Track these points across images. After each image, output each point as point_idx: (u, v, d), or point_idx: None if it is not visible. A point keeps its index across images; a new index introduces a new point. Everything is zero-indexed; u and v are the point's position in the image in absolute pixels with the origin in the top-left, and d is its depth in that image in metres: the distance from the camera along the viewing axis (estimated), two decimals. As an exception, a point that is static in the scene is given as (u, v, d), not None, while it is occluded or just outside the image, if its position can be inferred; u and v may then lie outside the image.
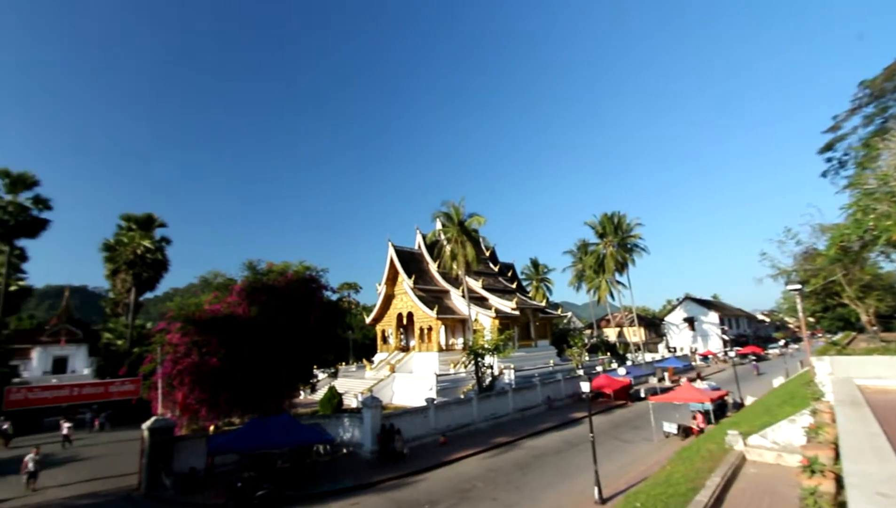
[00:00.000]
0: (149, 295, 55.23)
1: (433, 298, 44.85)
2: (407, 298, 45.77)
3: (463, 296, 43.63)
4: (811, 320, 47.04)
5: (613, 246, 59.54)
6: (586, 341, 61.81)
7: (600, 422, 25.60)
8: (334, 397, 31.23)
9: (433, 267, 48.55)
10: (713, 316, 76.13)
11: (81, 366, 49.81)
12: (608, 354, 60.07)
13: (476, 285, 46.44)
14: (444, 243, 42.38)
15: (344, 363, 53.41)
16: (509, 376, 36.34)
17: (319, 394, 35.24)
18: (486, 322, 41.96)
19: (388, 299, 49.64)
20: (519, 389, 30.64)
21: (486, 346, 31.44)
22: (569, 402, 33.61)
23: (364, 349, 66.66)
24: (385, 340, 51.09)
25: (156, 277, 47.34)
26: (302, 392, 33.67)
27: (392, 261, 47.67)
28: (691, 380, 34.17)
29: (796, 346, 76.83)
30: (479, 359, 31.03)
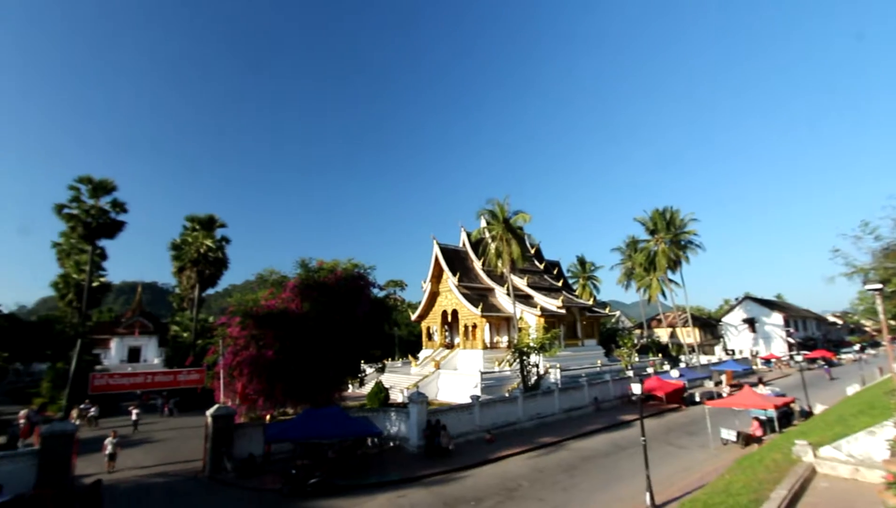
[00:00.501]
0: (211, 291, 58.76)
1: (477, 295, 44.77)
2: (451, 295, 45.97)
3: (508, 294, 43.25)
4: (893, 323, 42.82)
5: (665, 243, 56.86)
6: (636, 341, 59.52)
7: (652, 426, 24.57)
8: (381, 391, 31.87)
9: (478, 265, 48.45)
10: (777, 317, 71.02)
11: (152, 356, 53.87)
12: (659, 355, 57.53)
13: (521, 282, 45.89)
14: (489, 240, 42.17)
15: (390, 359, 54.48)
16: (555, 375, 35.67)
17: (367, 388, 36.13)
18: (531, 320, 41.39)
19: (433, 296, 50.07)
20: (565, 389, 30.00)
21: (531, 344, 31.00)
22: (617, 404, 32.52)
23: (409, 345, 67.53)
24: (430, 336, 51.60)
25: (217, 274, 50.21)
26: (350, 386, 34.66)
27: (437, 259, 48.02)
28: (753, 385, 32.06)
29: (874, 351, 70.16)
30: (525, 357, 30.66)
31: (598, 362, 44.14)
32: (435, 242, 48.31)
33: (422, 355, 50.22)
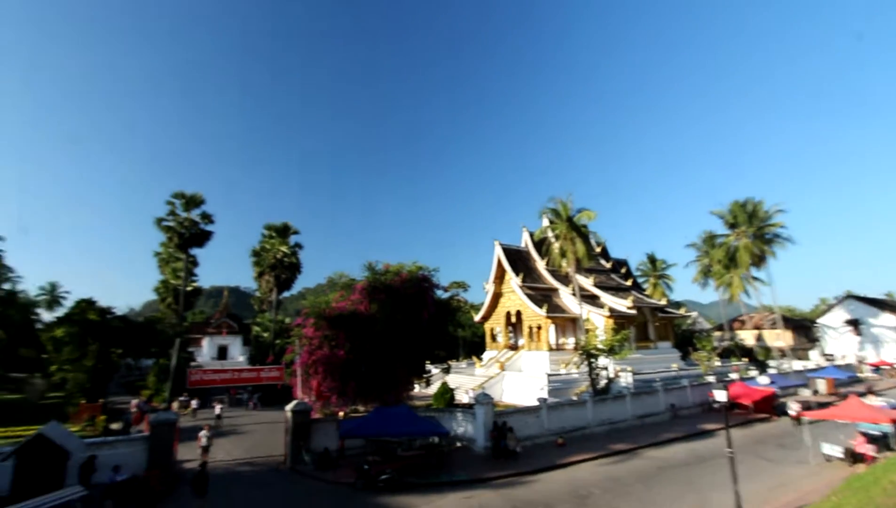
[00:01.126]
0: (287, 294, 62.91)
1: (542, 296, 43.84)
2: (515, 296, 45.41)
3: (573, 294, 41.93)
4: None
5: (748, 237, 52.11)
6: (716, 344, 55.11)
7: (738, 437, 22.58)
8: (447, 392, 32.15)
9: (541, 265, 47.46)
10: (887, 318, 62.42)
11: (238, 354, 58.46)
12: (744, 359, 52.80)
13: (587, 282, 44.33)
14: (552, 240, 41.17)
15: (455, 360, 54.83)
16: (626, 379, 33.97)
17: (433, 388, 36.60)
18: (598, 322, 39.79)
19: (496, 297, 49.75)
20: (638, 394, 28.47)
21: (599, 346, 29.80)
22: (696, 411, 30.31)
23: (473, 346, 67.57)
24: (494, 338, 51.32)
25: (292, 278, 53.68)
26: (417, 386, 35.37)
27: (499, 260, 47.67)
28: (860, 395, 28.42)
29: None
30: (592, 360, 29.53)
31: (674, 366, 41.43)
32: (497, 243, 48.00)
33: (486, 356, 50.03)
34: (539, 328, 42.78)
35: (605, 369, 30.46)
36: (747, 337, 68.01)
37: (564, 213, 38.96)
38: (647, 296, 49.65)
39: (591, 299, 43.03)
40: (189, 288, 56.43)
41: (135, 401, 35.44)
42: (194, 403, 34.04)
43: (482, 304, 52.58)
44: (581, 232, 39.10)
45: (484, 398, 21.54)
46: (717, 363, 44.13)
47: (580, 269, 41.48)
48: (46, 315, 68.77)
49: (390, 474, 16.19)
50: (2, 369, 57.16)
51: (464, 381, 41.51)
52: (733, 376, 38.46)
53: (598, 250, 53.28)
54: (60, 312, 64.83)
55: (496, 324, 50.17)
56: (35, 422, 27.00)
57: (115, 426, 28.85)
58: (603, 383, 29.64)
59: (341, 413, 24.78)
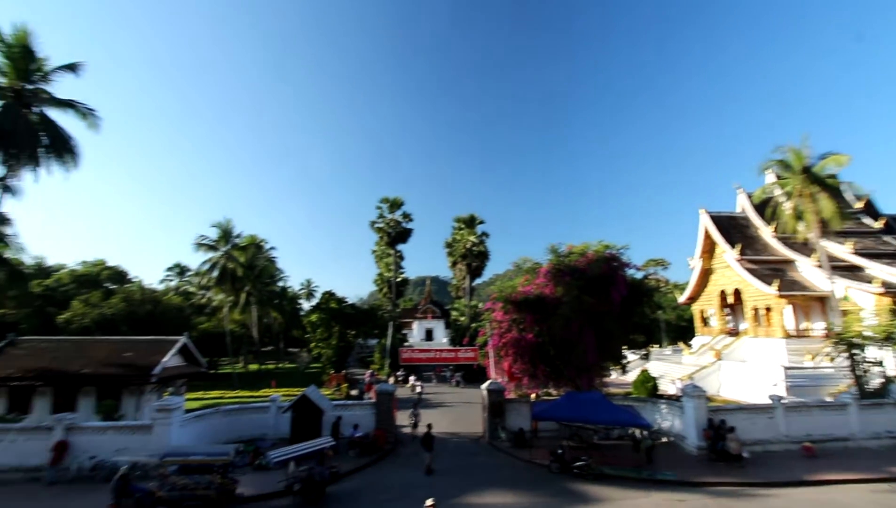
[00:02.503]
0: (478, 281, 66.92)
1: (769, 270, 35.82)
2: (731, 272, 38.28)
3: (819, 266, 32.90)
4: None
5: None
6: None
7: None
8: (648, 380, 29.44)
9: (766, 232, 38.75)
10: None
11: (441, 336, 65.09)
12: None
13: (841, 249, 34.21)
14: (782, 199, 32.79)
15: (656, 346, 49.82)
16: (917, 378, 24.92)
17: (631, 376, 33.93)
18: (863, 301, 30.29)
19: (705, 274, 42.87)
20: (940, 399, 20.54)
21: (867, 334, 22.67)
22: None
23: (678, 330, 60.40)
24: (705, 321, 44.44)
25: (481, 265, 56.97)
26: (613, 372, 33.32)
27: (706, 231, 40.88)
28: None
29: None
30: (856, 352, 22.64)
31: None
32: (703, 212, 41.18)
33: (696, 342, 43.72)
34: (768, 309, 35.05)
35: (879, 364, 22.98)
36: None
37: (798, 163, 30.42)
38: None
39: (850, 271, 33.01)
40: (398, 279, 65.43)
41: (368, 372, 43.16)
42: (412, 380, 38.87)
43: (687, 283, 46.03)
44: (827, 184, 29.92)
45: (694, 391, 18.80)
46: None
47: (828, 233, 32.00)
48: (306, 304, 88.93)
49: (585, 461, 15.61)
50: (283, 345, 77.49)
51: (668, 369, 37.25)
52: None
53: (860, 205, 40.43)
54: (313, 302, 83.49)
55: (707, 305, 43.24)
56: (301, 385, 35.41)
57: (353, 392, 35.69)
58: (875, 382, 22.45)
59: (533, 395, 25.13)
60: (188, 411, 19.20)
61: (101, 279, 52.25)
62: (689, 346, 43.54)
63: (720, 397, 30.87)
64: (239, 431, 20.03)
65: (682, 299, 47.08)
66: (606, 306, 21.62)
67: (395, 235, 55.16)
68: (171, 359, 24.03)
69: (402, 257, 69.84)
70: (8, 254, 24.22)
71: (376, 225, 56.05)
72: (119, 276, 56.44)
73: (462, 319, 59.67)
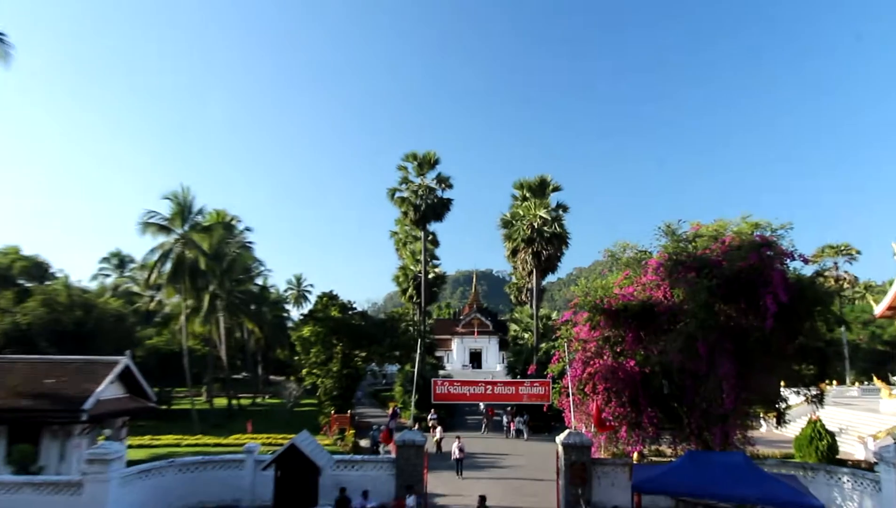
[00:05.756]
0: (552, 278, 66.75)
1: None
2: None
3: None
4: None
5: None
6: None
7: None
8: (820, 436, 28.63)
9: None
10: None
11: (494, 361, 65.62)
12: None
13: None
14: None
15: (835, 382, 47.94)
16: None
17: (793, 429, 32.84)
18: None
19: (918, 271, 40.56)
20: None
21: None
22: None
23: (874, 358, 58.15)
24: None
25: (556, 254, 56.17)
26: (763, 422, 32.34)
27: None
28: None
29: None
30: None
31: None
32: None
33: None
34: None
35: None
36: None
37: None
38: None
39: None
40: (430, 275, 66.12)
41: (390, 412, 44.05)
42: (439, 430, 38.89)
43: (891, 284, 43.78)
44: None
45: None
46: None
47: None
48: (295, 312, 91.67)
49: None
50: (263, 370, 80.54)
51: (855, 420, 36.32)
52: None
53: None
54: (306, 308, 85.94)
55: (922, 321, 41.02)
56: (289, 430, 36.49)
57: (363, 442, 36.42)
58: None
59: (635, 455, 24.72)
60: (132, 462, 20.24)
61: (12, 274, 55.65)
62: (892, 385, 41.79)
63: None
64: (201, 493, 20.94)
65: (879, 309, 44.80)
66: (754, 320, 20.92)
67: (426, 208, 55.47)
68: (107, 388, 25.37)
69: (435, 242, 70.53)
70: None
71: (398, 194, 56.64)
72: (38, 269, 59.99)
73: (525, 336, 59.62)
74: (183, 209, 48.59)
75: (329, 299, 50.67)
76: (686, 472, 17.15)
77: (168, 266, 47.14)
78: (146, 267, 52.05)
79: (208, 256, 48.50)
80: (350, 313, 50.55)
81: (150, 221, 46.92)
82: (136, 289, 67.93)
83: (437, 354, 63.03)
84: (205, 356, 57.19)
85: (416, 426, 37.37)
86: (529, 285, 60.53)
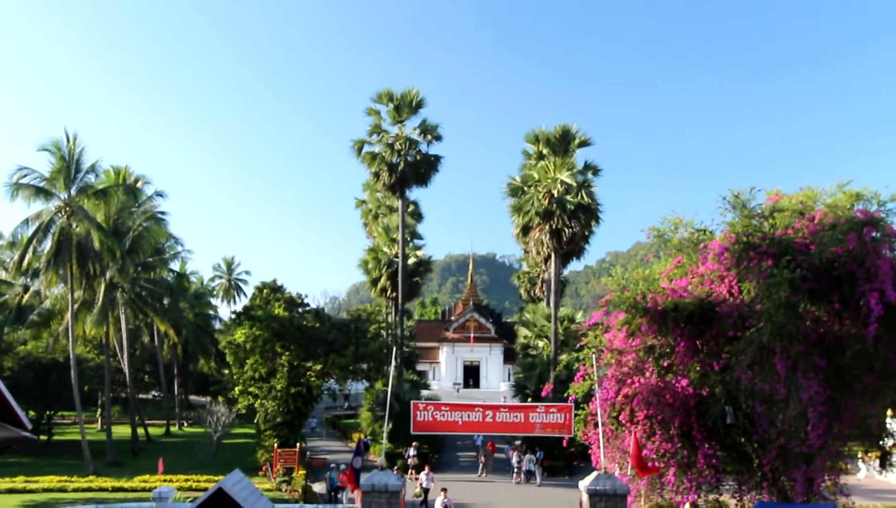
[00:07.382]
0: (576, 266, 66.57)
1: None
2: None
3: None
4: None
5: None
6: None
7: None
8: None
9: None
10: None
11: (496, 377, 65.71)
12: None
13: None
14: None
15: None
16: None
17: (901, 473, 33.34)
18: None
19: None
20: None
21: None
22: None
23: None
24: None
25: (582, 233, 55.40)
26: (863, 464, 32.76)
27: None
28: None
29: None
30: None
31: None
32: None
33: None
34: None
35: None
36: None
37: None
38: None
39: None
40: (411, 259, 65.73)
41: (356, 445, 44.05)
42: (423, 475, 38.67)
43: None
44: None
45: None
46: None
47: None
48: (224, 309, 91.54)
49: None
50: (181, 388, 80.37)
51: None
52: None
53: None
54: (241, 303, 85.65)
55: None
56: (215, 471, 36.54)
57: (317, 487, 36.52)
58: None
59: (687, 506, 24.91)
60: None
61: None
62: None
63: None
64: (94, 556, 20.88)
65: None
66: (852, 326, 21.04)
67: (405, 167, 54.55)
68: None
69: (418, 215, 70.03)
70: None
71: (367, 149, 55.85)
72: None
73: (540, 344, 59.73)
74: (68, 166, 47.67)
75: (271, 291, 50.39)
76: (756, 531, 17.37)
77: (48, 244, 46.52)
78: (16, 246, 51.41)
79: (104, 230, 47.89)
80: (301, 311, 50.39)
81: (22, 181, 46.19)
82: (3, 276, 67.28)
83: (420, 368, 62.97)
84: (100, 369, 56.88)
85: (392, 467, 37.57)
86: (546, 276, 60.47)
